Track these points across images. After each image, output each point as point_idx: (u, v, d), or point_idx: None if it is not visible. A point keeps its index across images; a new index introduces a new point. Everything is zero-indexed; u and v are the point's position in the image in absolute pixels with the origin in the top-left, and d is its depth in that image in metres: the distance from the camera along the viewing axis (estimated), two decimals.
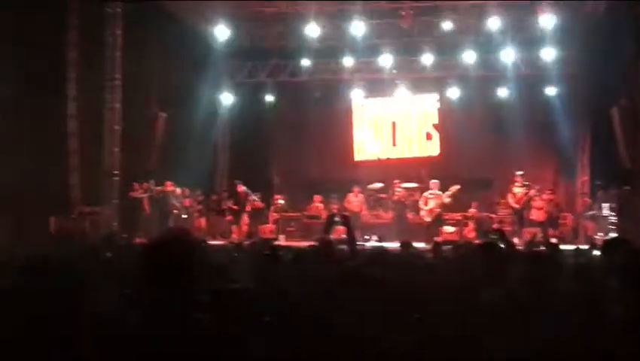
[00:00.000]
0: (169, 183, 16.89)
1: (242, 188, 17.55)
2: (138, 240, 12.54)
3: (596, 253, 7.64)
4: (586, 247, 9.82)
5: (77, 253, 4.38)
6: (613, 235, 14.62)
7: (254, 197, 17.57)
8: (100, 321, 1.74)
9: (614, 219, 16.01)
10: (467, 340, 2.89)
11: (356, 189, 18.03)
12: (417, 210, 17.22)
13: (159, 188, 16.75)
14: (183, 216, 17.05)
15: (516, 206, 16.29)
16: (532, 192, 16.38)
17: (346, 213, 15.45)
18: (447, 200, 16.22)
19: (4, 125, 12.99)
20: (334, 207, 17.61)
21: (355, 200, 17.82)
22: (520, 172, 16.61)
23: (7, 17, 13.29)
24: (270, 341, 2.12)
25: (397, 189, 17.66)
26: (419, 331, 2.92)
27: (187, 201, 17.43)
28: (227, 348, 1.81)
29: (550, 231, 16.40)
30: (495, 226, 17.10)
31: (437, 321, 3.12)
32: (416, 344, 2.62)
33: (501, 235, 13.18)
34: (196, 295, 1.72)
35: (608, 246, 4.69)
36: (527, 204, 16.30)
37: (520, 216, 16.32)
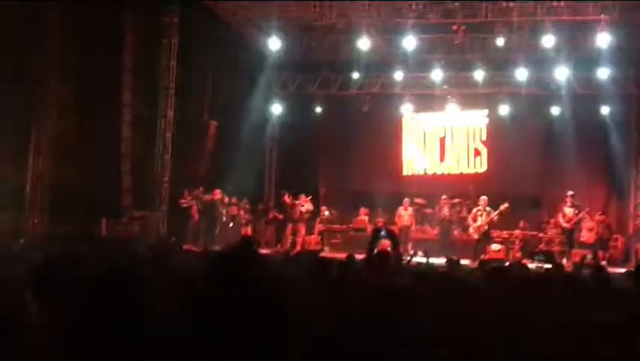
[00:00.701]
0: (217, 191, 17.08)
1: (288, 198, 17.70)
2: (186, 246, 12.75)
3: None
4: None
5: (131, 257, 4.50)
6: None
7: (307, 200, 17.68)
8: (161, 329, 1.81)
9: None
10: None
11: (406, 202, 17.93)
12: (464, 226, 17.09)
13: (208, 196, 16.96)
14: (230, 224, 17.23)
15: (566, 226, 15.98)
16: (583, 213, 16.08)
17: (392, 228, 15.44)
18: (496, 218, 16.02)
19: (64, 129, 13.39)
20: (380, 221, 17.59)
21: (405, 213, 17.71)
22: (571, 192, 16.34)
23: (68, 26, 13.73)
24: (318, 355, 2.17)
25: (445, 205, 17.55)
26: (464, 350, 2.93)
27: (234, 210, 17.61)
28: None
29: (600, 253, 16.09)
30: (542, 246, 16.87)
31: (480, 342, 3.12)
32: None
33: (549, 256, 13.01)
34: (254, 306, 1.78)
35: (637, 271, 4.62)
36: (577, 225, 16.00)
37: (570, 237, 16.02)
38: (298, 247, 16.72)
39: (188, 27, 15.93)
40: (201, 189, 16.97)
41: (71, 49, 14.25)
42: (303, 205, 17.59)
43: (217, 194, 17.02)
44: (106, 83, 14.93)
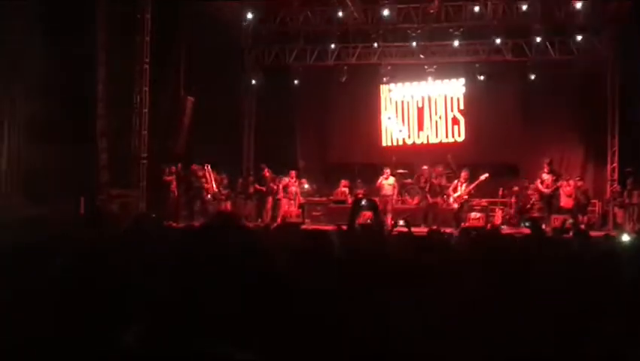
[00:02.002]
0: (196, 166, 16.98)
1: (268, 171, 17.65)
2: (166, 223, 12.64)
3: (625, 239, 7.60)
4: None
5: (109, 235, 4.42)
6: None
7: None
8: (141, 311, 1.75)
9: None
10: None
11: (387, 171, 17.41)
12: (444, 196, 17.15)
13: (187, 172, 16.86)
14: (209, 198, 17.14)
15: (545, 192, 16.12)
16: (561, 179, 16.24)
17: (373, 198, 15.40)
18: (474, 188, 16.14)
19: (37, 108, 13.11)
20: (360, 192, 17.57)
21: (386, 183, 17.18)
22: (548, 159, 16.47)
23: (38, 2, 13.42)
24: (311, 328, 2.13)
25: (425, 174, 17.60)
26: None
27: (213, 186, 17.50)
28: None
29: (579, 217, 16.29)
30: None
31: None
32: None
33: (534, 222, 13.13)
34: (242, 280, 1.72)
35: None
36: (556, 191, 16.15)
37: (548, 203, 16.18)
38: (279, 220, 16.68)
39: (162, 1, 15.67)
40: (180, 165, 16.85)
41: (41, 27, 13.91)
42: (295, 185, 17.70)
43: (196, 169, 16.91)
44: (79, 61, 14.63)
